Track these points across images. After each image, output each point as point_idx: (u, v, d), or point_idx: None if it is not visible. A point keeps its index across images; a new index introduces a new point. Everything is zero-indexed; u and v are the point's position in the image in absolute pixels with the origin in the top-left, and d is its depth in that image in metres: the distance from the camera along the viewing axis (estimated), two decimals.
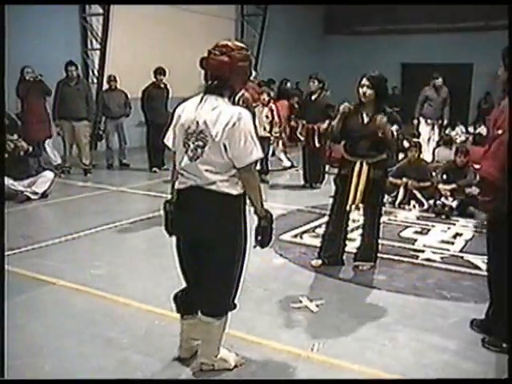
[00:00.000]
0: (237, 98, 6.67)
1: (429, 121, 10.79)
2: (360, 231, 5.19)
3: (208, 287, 3.01)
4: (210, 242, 2.91)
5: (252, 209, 2.98)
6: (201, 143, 2.83)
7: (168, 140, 3.06)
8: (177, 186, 3.01)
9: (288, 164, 10.30)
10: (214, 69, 2.88)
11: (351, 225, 6.28)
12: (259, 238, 2.98)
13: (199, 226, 2.92)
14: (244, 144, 2.79)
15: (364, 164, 4.70)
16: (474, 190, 6.95)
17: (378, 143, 4.69)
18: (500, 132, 3.15)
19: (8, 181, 7.31)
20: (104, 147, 10.59)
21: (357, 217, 6.68)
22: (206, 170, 2.85)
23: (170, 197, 3.14)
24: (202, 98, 2.90)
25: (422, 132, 10.74)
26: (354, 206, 4.81)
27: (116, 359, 3.36)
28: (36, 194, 7.50)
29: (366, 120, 4.73)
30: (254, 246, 3.03)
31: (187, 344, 3.30)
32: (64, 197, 7.75)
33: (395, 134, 4.58)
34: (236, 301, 3.14)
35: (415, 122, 10.89)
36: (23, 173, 7.56)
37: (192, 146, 2.86)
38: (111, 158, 10.32)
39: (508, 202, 4.28)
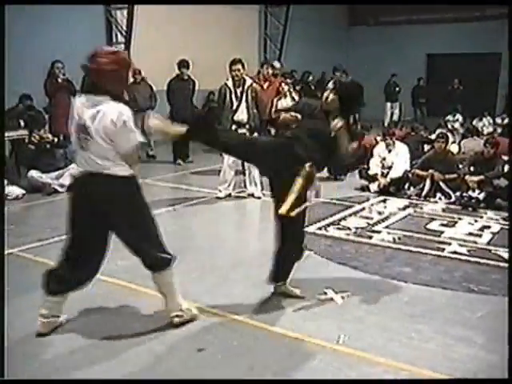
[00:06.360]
0: (245, 88, 6.70)
1: None
2: (384, 223, 5.15)
3: (139, 247, 3.45)
4: (116, 214, 3.38)
5: None
6: (88, 136, 3.24)
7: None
8: (72, 172, 3.55)
9: None
10: (88, 74, 3.34)
11: (377, 217, 6.27)
12: None
13: (101, 202, 3.33)
14: (125, 135, 3.23)
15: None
16: (502, 182, 6.84)
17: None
18: None
19: (36, 173, 7.43)
20: None
21: (381, 208, 6.67)
22: (95, 158, 3.26)
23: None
24: (86, 98, 3.30)
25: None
26: None
27: (142, 351, 3.40)
28: (63, 186, 7.57)
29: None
30: None
31: (52, 320, 3.59)
32: None
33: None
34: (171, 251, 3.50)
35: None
36: (51, 165, 7.66)
37: (82, 136, 3.27)
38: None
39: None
